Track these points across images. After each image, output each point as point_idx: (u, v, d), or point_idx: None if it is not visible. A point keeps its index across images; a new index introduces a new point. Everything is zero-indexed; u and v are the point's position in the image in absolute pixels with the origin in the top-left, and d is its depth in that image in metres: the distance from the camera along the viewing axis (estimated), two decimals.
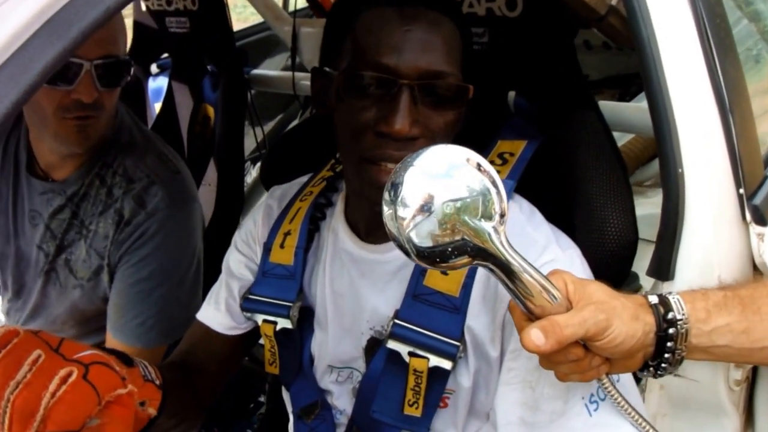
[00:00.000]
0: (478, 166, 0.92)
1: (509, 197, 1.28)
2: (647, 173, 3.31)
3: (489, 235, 0.93)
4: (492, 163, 1.37)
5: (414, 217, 0.91)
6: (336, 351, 1.41)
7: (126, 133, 1.92)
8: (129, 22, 2.08)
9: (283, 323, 1.41)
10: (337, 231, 1.40)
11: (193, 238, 1.94)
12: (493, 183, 0.93)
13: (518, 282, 0.96)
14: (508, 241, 0.95)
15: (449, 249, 0.92)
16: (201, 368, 1.51)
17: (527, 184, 1.34)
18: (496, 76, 1.53)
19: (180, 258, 1.90)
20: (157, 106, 2.69)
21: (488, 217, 0.92)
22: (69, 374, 0.98)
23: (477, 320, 1.24)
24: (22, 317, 2.10)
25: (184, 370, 1.48)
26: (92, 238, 1.87)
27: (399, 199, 0.91)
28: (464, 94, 1.23)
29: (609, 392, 1.07)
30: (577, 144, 1.42)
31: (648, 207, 2.14)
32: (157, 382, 1.23)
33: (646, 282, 1.38)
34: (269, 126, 3.44)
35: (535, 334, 0.96)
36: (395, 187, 0.92)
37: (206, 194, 2.56)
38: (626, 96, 3.89)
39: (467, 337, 1.24)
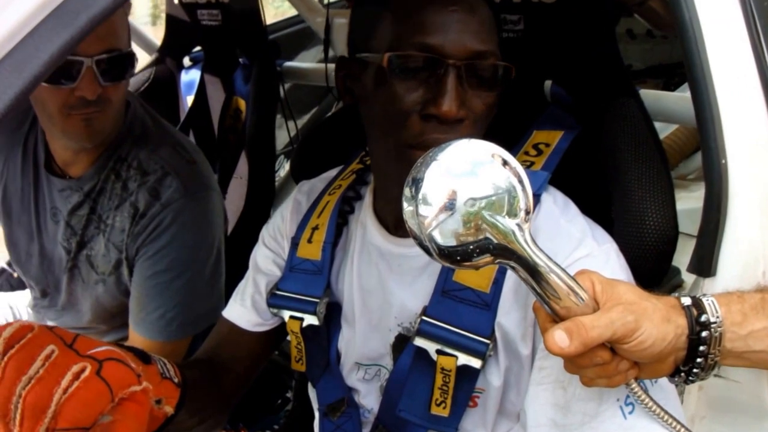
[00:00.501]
0: (504, 162, 0.89)
1: (543, 189, 1.25)
2: (691, 166, 3.22)
3: (513, 233, 0.89)
4: (526, 153, 1.36)
5: (436, 215, 0.87)
6: (363, 348, 1.38)
7: (139, 125, 1.90)
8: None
9: (310, 320, 1.39)
10: (365, 225, 1.38)
11: (211, 229, 1.91)
12: (519, 179, 0.89)
13: (542, 282, 0.92)
14: (533, 240, 0.91)
15: (471, 248, 0.89)
16: (227, 366, 1.50)
17: (563, 175, 1.31)
18: (532, 64, 1.48)
19: (198, 249, 1.87)
20: (190, 99, 2.68)
21: (513, 215, 0.88)
22: (82, 370, 0.96)
23: (508, 317, 1.20)
24: (51, 316, 2.11)
25: (210, 367, 1.47)
26: (110, 233, 1.86)
27: (420, 196, 0.87)
28: (507, 75, 1.20)
29: (638, 397, 1.02)
30: (616, 134, 1.38)
31: (691, 201, 2.09)
32: (176, 380, 1.20)
33: (689, 278, 1.32)
34: (304, 119, 3.42)
35: (559, 336, 0.91)
36: (416, 182, 0.88)
37: (237, 187, 2.56)
38: (670, 86, 3.76)
39: (498, 334, 1.20)
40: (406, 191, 0.89)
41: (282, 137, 3.02)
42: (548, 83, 1.49)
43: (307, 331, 1.42)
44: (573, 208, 1.26)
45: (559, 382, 1.14)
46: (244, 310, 1.51)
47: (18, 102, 0.63)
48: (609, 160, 1.38)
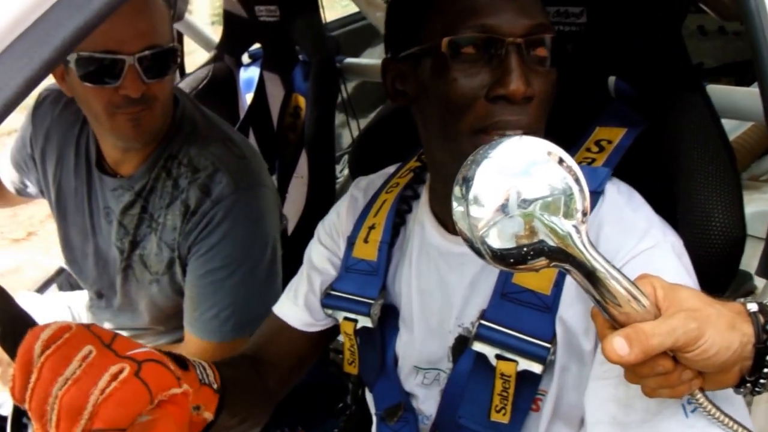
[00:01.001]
0: (560, 161, 0.84)
1: (606, 181, 1.21)
2: (763, 167, 3.10)
3: (570, 235, 0.84)
4: (588, 150, 1.31)
5: (489, 217, 0.83)
6: (422, 351, 1.35)
7: (189, 122, 1.88)
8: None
9: (364, 321, 1.37)
10: (423, 224, 1.35)
11: (264, 225, 1.87)
12: (576, 179, 0.84)
13: (601, 287, 0.87)
14: (591, 243, 0.86)
15: (525, 250, 0.84)
16: (273, 364, 1.48)
17: (626, 173, 1.26)
18: (595, 58, 1.44)
19: (251, 246, 1.84)
20: (249, 97, 2.67)
21: (569, 216, 0.84)
22: (120, 371, 0.94)
23: (571, 309, 1.16)
24: (107, 317, 2.11)
25: (255, 364, 1.45)
26: (162, 231, 1.84)
27: (471, 196, 0.83)
28: (564, 49, 1.17)
29: (705, 408, 0.96)
30: (681, 131, 1.32)
31: (763, 203, 2.00)
32: (215, 386, 1.18)
33: (762, 283, 1.29)
34: (369, 118, 3.39)
35: (619, 343, 0.86)
36: (467, 181, 0.84)
37: (298, 186, 2.55)
38: (743, 84, 3.67)
39: (559, 329, 1.16)
40: (456, 190, 0.85)
41: (347, 136, 3.00)
42: (612, 78, 1.44)
43: (361, 334, 1.40)
44: (638, 198, 1.22)
45: (621, 377, 1.06)
46: (297, 308, 1.50)
47: (28, 89, 0.60)
48: (673, 158, 1.32)
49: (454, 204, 0.85)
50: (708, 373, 0.92)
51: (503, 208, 0.82)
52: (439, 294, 1.31)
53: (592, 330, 1.15)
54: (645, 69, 1.40)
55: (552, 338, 1.16)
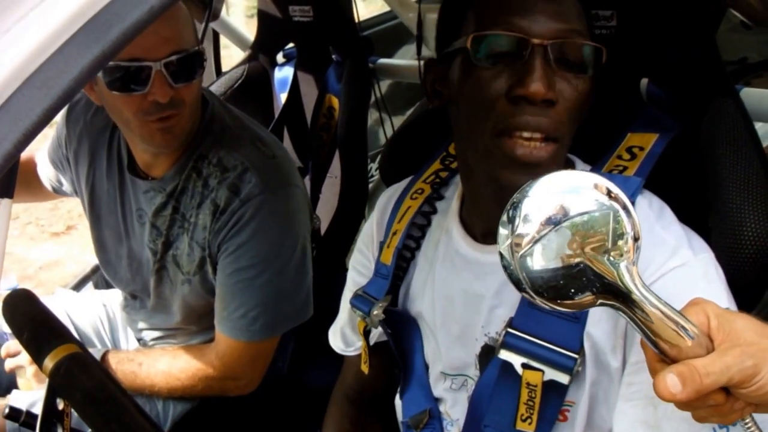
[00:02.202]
0: (608, 192, 0.83)
1: (638, 193, 1.20)
2: None
3: (619, 270, 0.83)
4: (619, 157, 1.30)
5: (535, 230, 0.82)
6: (448, 357, 1.36)
7: (218, 122, 1.90)
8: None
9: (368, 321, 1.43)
10: (450, 232, 1.36)
11: (293, 224, 1.88)
12: (624, 207, 0.82)
13: (648, 320, 0.85)
14: (641, 280, 0.84)
15: (569, 283, 0.83)
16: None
17: (657, 180, 1.25)
18: (627, 62, 1.43)
19: (280, 245, 1.85)
20: (283, 96, 2.67)
21: (618, 250, 0.82)
22: None
23: (597, 327, 1.15)
24: (141, 317, 2.14)
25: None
26: (193, 231, 1.86)
27: (520, 216, 0.82)
28: (598, 57, 1.15)
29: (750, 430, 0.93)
30: (713, 137, 1.31)
31: None
32: None
33: None
34: (404, 116, 3.39)
35: (672, 381, 0.84)
36: (515, 205, 0.83)
37: (332, 187, 2.55)
38: None
39: (586, 345, 1.16)
40: (504, 216, 0.84)
41: (382, 134, 3.00)
42: (644, 82, 1.42)
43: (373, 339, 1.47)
44: (669, 214, 1.20)
45: (649, 399, 1.08)
46: (335, 339, 1.62)
47: (47, 119, 0.60)
48: (705, 164, 1.30)
49: (501, 230, 0.84)
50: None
51: (551, 220, 0.81)
52: (462, 302, 1.31)
53: (619, 348, 1.14)
54: (677, 73, 1.39)
55: (579, 349, 1.15)
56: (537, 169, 1.10)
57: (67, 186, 2.22)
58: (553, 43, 1.11)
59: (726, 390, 0.87)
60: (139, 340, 2.22)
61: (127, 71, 1.62)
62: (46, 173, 2.28)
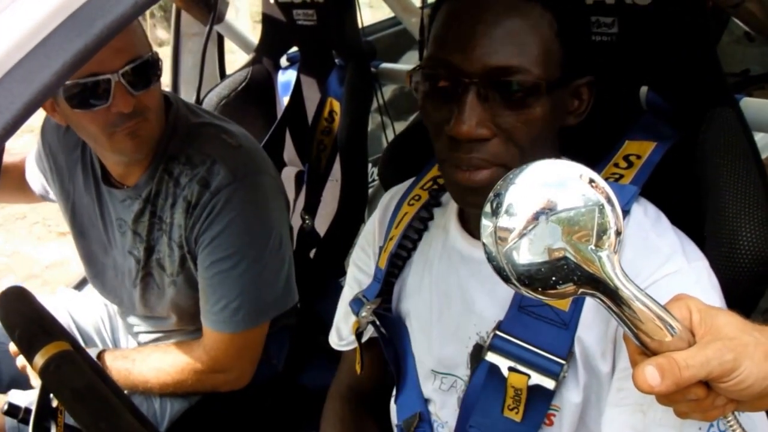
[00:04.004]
0: (590, 181, 0.83)
1: (633, 201, 1.20)
2: None
3: (601, 262, 0.83)
4: (616, 165, 1.30)
5: (521, 225, 0.82)
6: (440, 354, 1.37)
7: (183, 122, 1.91)
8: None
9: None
10: (448, 229, 1.37)
11: (266, 212, 1.89)
12: (608, 199, 0.82)
13: (632, 314, 0.85)
14: (622, 270, 0.84)
15: (552, 273, 0.83)
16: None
17: (654, 187, 1.25)
18: (627, 69, 1.43)
19: (255, 234, 1.86)
20: (286, 100, 2.67)
21: (601, 242, 0.82)
22: None
23: (589, 331, 1.16)
24: (135, 321, 2.17)
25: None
26: (170, 231, 1.88)
27: (503, 208, 0.82)
28: (537, 91, 1.12)
29: (734, 430, 0.93)
30: (711, 146, 1.30)
31: None
32: None
33: None
34: (408, 121, 3.38)
35: (650, 372, 0.84)
36: (498, 196, 0.83)
37: (332, 190, 2.54)
38: None
39: (577, 349, 1.16)
40: (487, 207, 0.84)
41: (384, 141, 3.00)
42: (644, 89, 1.41)
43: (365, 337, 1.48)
44: (664, 222, 1.21)
45: (638, 405, 1.09)
46: (332, 334, 1.63)
47: (28, 113, 0.60)
48: (702, 172, 1.30)
49: (483, 221, 0.84)
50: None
51: (537, 216, 0.81)
52: (459, 299, 1.32)
53: (609, 354, 1.15)
54: (677, 81, 1.38)
55: (567, 355, 1.15)
56: (481, 190, 1.10)
57: (53, 195, 2.23)
58: (485, 80, 1.10)
59: (707, 385, 0.87)
60: (138, 343, 2.23)
61: (85, 87, 1.63)
62: (34, 180, 2.30)
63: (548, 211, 0.81)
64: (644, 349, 0.88)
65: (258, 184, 1.87)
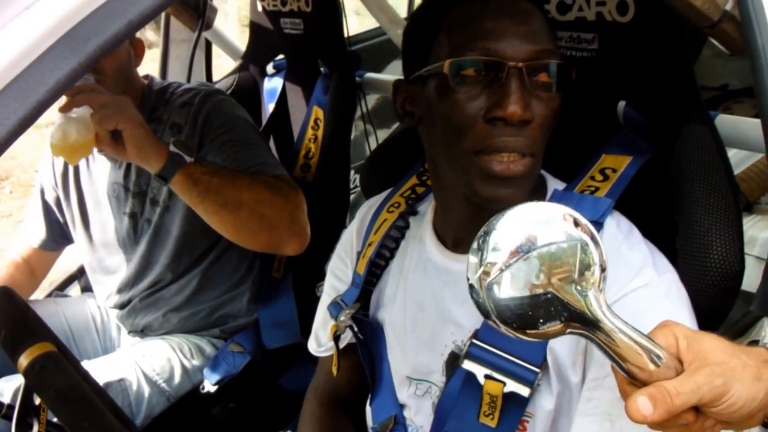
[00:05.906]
0: (575, 223, 0.84)
1: (607, 214, 1.22)
2: None
3: (587, 299, 0.84)
4: (592, 178, 1.33)
5: (504, 259, 0.82)
6: (414, 362, 1.39)
7: (162, 92, 2.16)
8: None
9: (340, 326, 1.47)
10: (423, 240, 1.39)
11: (244, 113, 2.18)
12: (592, 237, 0.84)
13: (619, 349, 0.86)
14: (608, 306, 0.86)
15: (535, 310, 0.83)
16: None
17: (629, 200, 1.27)
18: (606, 85, 1.46)
19: (241, 112, 2.15)
20: (271, 107, 2.69)
21: (584, 278, 0.83)
22: None
23: (560, 342, 1.18)
24: (129, 317, 2.23)
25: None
26: None
27: (490, 245, 0.83)
28: (569, 75, 1.19)
29: None
30: (685, 161, 1.33)
31: None
32: None
33: None
34: (392, 129, 3.40)
35: (643, 403, 0.84)
36: (486, 234, 0.84)
37: None
38: None
39: (549, 358, 1.19)
40: (474, 244, 0.85)
41: (368, 149, 3.01)
42: (621, 105, 1.44)
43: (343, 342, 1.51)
44: (636, 235, 1.23)
45: (606, 414, 1.11)
46: (311, 339, 1.64)
47: (22, 128, 0.62)
48: (676, 188, 1.33)
49: (470, 257, 0.85)
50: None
51: (520, 249, 0.82)
52: (433, 309, 1.34)
53: (579, 364, 1.17)
54: (654, 98, 1.40)
55: (541, 363, 1.18)
56: (514, 181, 1.15)
57: (65, 226, 2.33)
58: (528, 64, 1.14)
59: (696, 409, 0.88)
60: (131, 332, 2.29)
61: None
62: (45, 234, 2.37)
63: (531, 246, 0.82)
64: (632, 380, 0.88)
65: (226, 97, 2.18)
